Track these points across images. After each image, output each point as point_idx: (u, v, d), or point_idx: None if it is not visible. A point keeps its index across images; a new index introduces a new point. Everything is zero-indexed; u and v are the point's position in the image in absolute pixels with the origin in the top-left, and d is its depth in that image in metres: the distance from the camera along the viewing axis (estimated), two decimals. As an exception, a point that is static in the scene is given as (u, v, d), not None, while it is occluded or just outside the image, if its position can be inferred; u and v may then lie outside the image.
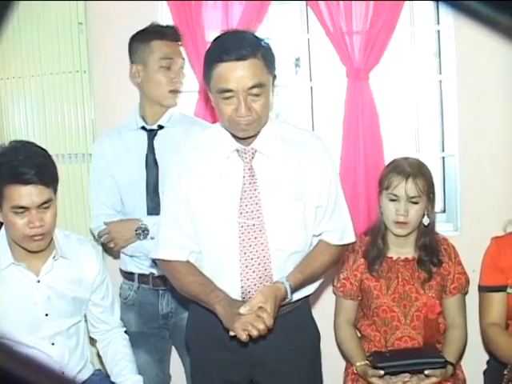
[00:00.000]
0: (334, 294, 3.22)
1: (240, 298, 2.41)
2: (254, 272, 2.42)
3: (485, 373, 3.25)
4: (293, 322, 2.55)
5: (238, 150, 2.44)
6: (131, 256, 3.12)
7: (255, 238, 2.41)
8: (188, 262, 2.50)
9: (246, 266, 2.41)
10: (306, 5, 3.63)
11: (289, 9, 3.73)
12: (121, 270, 3.25)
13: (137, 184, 3.07)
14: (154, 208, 3.05)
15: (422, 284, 3.04)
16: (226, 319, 2.32)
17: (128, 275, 3.20)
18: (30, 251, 2.65)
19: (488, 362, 3.26)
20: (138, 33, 3.09)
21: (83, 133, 3.59)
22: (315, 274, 2.54)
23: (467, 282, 3.15)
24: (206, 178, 2.44)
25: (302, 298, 2.59)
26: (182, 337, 3.16)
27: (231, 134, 2.42)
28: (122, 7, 3.54)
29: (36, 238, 2.60)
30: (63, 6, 3.56)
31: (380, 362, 2.91)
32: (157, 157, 3.08)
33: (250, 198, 2.41)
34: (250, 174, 2.42)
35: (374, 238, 3.09)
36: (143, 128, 3.12)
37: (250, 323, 2.23)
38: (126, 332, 3.04)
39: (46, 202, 2.57)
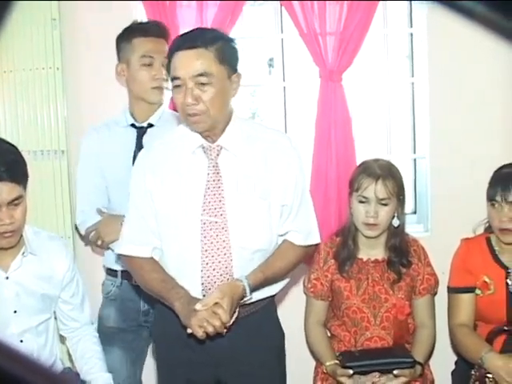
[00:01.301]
0: (305, 294, 3.23)
1: (201, 296, 2.40)
2: (214, 270, 2.41)
3: (453, 373, 3.28)
4: (256, 322, 2.54)
5: (203, 147, 2.44)
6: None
7: (217, 235, 2.40)
8: (152, 258, 2.51)
9: (207, 264, 2.40)
10: (281, 5, 3.64)
11: (263, 9, 3.74)
12: (104, 266, 3.25)
13: (124, 181, 3.03)
14: None
15: (391, 285, 3.06)
16: (183, 316, 2.32)
17: (111, 271, 3.20)
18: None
19: (456, 363, 3.29)
20: (122, 31, 3.11)
21: (55, 129, 3.56)
22: (278, 274, 2.55)
23: (436, 282, 3.17)
24: (171, 174, 2.44)
25: (265, 298, 2.58)
26: None
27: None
28: (97, 5, 3.52)
29: (6, 234, 2.59)
30: (37, 1, 3.53)
31: (349, 362, 2.92)
32: None
33: (214, 195, 2.41)
34: (215, 171, 2.42)
35: (345, 239, 3.10)
36: (133, 125, 3.12)
37: (205, 319, 2.24)
38: (99, 329, 3.04)
39: (16, 199, 2.56)
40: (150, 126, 3.12)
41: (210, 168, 2.42)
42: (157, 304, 2.65)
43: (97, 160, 3.14)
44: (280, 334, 2.73)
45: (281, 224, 2.52)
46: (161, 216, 2.45)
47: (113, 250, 3.12)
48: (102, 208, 3.14)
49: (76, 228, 3.33)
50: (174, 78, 2.32)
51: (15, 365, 0.64)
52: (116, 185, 3.10)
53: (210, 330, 2.24)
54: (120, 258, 2.73)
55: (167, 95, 3.16)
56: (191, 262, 2.42)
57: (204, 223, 2.40)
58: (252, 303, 2.48)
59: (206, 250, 2.40)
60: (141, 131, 3.11)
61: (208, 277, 2.41)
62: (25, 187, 2.63)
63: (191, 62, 2.28)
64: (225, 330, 2.30)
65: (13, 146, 2.66)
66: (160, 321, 2.68)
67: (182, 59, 2.30)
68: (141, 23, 3.15)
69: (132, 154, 3.07)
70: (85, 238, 3.23)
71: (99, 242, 3.06)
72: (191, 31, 2.43)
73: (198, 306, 2.27)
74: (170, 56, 2.35)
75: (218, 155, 2.43)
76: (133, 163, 3.03)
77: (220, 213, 2.40)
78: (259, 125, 2.61)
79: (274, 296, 2.66)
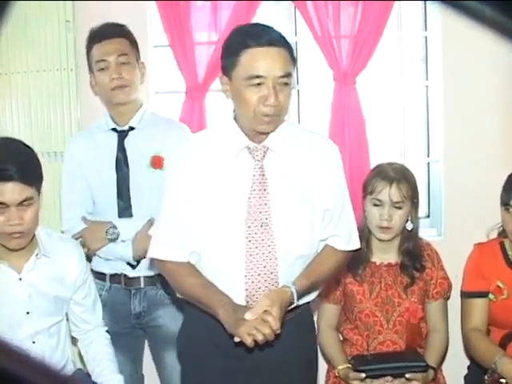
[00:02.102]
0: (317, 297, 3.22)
1: (244, 302, 2.32)
2: (259, 275, 2.32)
3: (465, 378, 3.26)
4: (293, 329, 2.43)
5: (248, 148, 2.35)
6: (106, 259, 3.11)
7: (262, 239, 2.31)
8: (189, 263, 2.39)
9: (252, 269, 2.32)
10: (295, 8, 3.64)
11: (277, 11, 3.73)
12: (92, 270, 3.16)
13: (108, 186, 3.05)
14: (125, 210, 3.05)
15: (404, 289, 3.05)
16: (229, 324, 2.22)
17: (99, 275, 3.15)
18: (10, 249, 2.64)
19: (469, 367, 3.27)
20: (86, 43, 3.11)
21: (69, 131, 3.57)
22: (321, 280, 2.49)
23: (449, 287, 3.16)
24: (213, 175, 2.33)
25: (303, 305, 2.48)
26: (155, 336, 3.17)
27: (242, 130, 2.34)
28: (111, 7, 3.53)
29: (15, 235, 2.58)
30: (51, 3, 3.55)
31: (362, 365, 2.92)
32: (128, 159, 3.06)
33: (260, 197, 2.31)
34: (261, 173, 2.33)
35: (358, 242, 3.10)
36: (114, 129, 3.10)
37: (255, 327, 2.14)
38: (107, 331, 3.02)
39: (26, 200, 2.55)
40: (132, 128, 3.09)
41: (255, 169, 2.33)
42: (187, 310, 2.59)
43: (80, 166, 3.11)
44: (314, 342, 2.68)
45: (323, 228, 2.45)
46: (203, 218, 2.33)
47: (100, 257, 3.12)
48: (87, 215, 3.12)
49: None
50: (253, 77, 2.19)
51: (25, 368, 0.64)
52: (100, 189, 3.09)
53: (260, 337, 2.14)
54: (153, 262, 2.60)
55: (145, 95, 3.15)
56: (235, 266, 2.33)
57: (249, 226, 2.31)
58: (290, 310, 2.38)
59: (251, 255, 2.31)
60: (122, 135, 3.08)
61: (252, 282, 2.32)
62: (38, 189, 2.62)
63: (276, 61, 2.19)
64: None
65: (29, 147, 2.65)
66: (190, 328, 2.59)
67: (267, 57, 2.18)
68: (96, 29, 3.10)
69: (114, 158, 3.06)
70: None
71: (85, 250, 3.04)
72: (252, 26, 2.31)
73: (247, 316, 2.18)
74: (236, 51, 2.21)
75: (263, 156, 2.35)
76: (116, 167, 3.04)
77: (265, 216, 2.32)
78: (302, 127, 2.53)
79: (309, 303, 2.57)
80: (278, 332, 2.20)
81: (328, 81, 3.56)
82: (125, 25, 3.13)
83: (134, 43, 3.11)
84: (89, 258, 3.12)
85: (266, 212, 2.32)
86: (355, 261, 3.06)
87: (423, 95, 3.75)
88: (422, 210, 3.57)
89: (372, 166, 3.24)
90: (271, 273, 2.33)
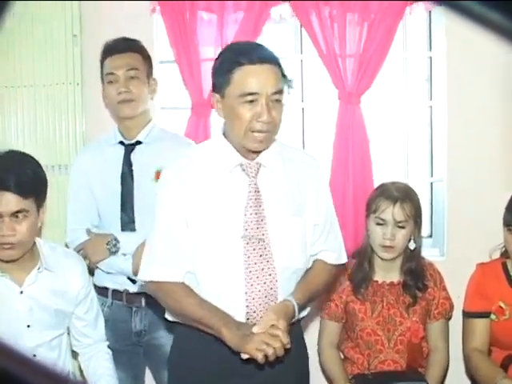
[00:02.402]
0: (320, 316, 3.22)
1: (244, 320, 2.28)
2: (259, 291, 2.29)
3: (466, 398, 3.26)
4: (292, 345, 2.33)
5: (241, 165, 2.33)
6: (107, 273, 3.11)
7: (260, 255, 2.29)
8: (183, 283, 2.33)
9: (252, 285, 2.28)
10: (301, 25, 3.65)
11: (283, 29, 3.75)
12: (95, 285, 3.12)
13: (112, 198, 3.05)
14: (128, 223, 3.05)
15: (406, 308, 3.05)
16: (235, 342, 2.18)
17: (102, 290, 3.13)
18: (7, 261, 2.64)
19: (470, 388, 3.27)
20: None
21: (73, 144, 3.59)
22: (316, 294, 2.49)
23: (451, 307, 3.16)
24: (207, 193, 2.31)
25: (296, 321, 2.44)
26: (156, 356, 3.14)
27: (234, 147, 2.32)
28: (117, 21, 3.55)
29: (5, 246, 2.56)
30: (58, 17, 3.57)
31: (362, 384, 2.92)
32: (134, 172, 3.06)
33: (256, 214, 2.30)
34: (255, 190, 2.32)
35: (361, 260, 3.10)
36: (121, 143, 3.11)
37: (264, 342, 2.12)
38: (108, 347, 3.01)
39: (20, 212, 2.54)
40: (139, 143, 3.09)
41: (250, 186, 2.32)
42: (177, 336, 2.53)
43: (86, 177, 3.12)
44: (306, 358, 2.63)
45: (313, 243, 2.45)
46: (199, 238, 2.30)
47: (102, 270, 3.11)
48: (92, 227, 3.12)
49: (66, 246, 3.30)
50: (246, 94, 2.18)
51: (26, 369, 0.64)
52: (104, 202, 3.09)
53: (271, 352, 2.11)
54: (146, 284, 2.45)
55: (154, 111, 3.16)
56: (234, 284, 2.29)
57: (247, 243, 2.29)
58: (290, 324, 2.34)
59: (250, 271, 2.29)
60: (129, 148, 3.09)
61: (253, 299, 2.28)
62: (37, 202, 2.61)
63: (269, 78, 2.20)
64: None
65: (34, 161, 2.65)
66: (182, 351, 2.50)
67: (260, 74, 2.19)
68: (110, 42, 3.12)
69: (120, 171, 3.06)
70: None
71: (87, 262, 3.04)
72: (244, 44, 2.30)
73: (255, 330, 2.16)
74: (229, 69, 2.21)
75: (257, 173, 2.34)
76: (121, 180, 3.04)
77: (262, 232, 2.30)
78: (286, 144, 2.54)
79: (300, 320, 2.54)
80: (288, 346, 2.18)
81: (333, 99, 3.57)
82: (139, 40, 3.14)
83: (147, 58, 3.13)
84: (91, 272, 3.12)
85: (263, 228, 2.31)
86: (358, 279, 3.06)
87: (427, 115, 3.76)
88: (425, 230, 3.57)
89: (375, 185, 3.24)
90: (271, 288, 2.31)
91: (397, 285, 3.08)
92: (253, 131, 2.22)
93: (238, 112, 2.22)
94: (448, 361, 3.16)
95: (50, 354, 2.78)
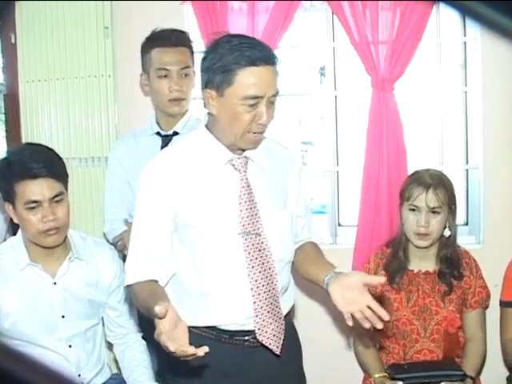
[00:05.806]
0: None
1: (252, 314, 2.27)
2: (263, 286, 2.28)
3: (504, 388, 3.22)
4: (288, 340, 2.39)
5: (231, 160, 2.30)
6: None
7: (259, 250, 2.29)
8: (151, 281, 2.20)
9: (256, 281, 2.28)
10: (332, 13, 3.63)
11: (314, 17, 3.73)
12: None
13: None
14: None
15: (442, 297, 3.01)
16: None
17: None
18: (46, 248, 2.66)
19: (508, 379, 3.21)
20: (144, 41, 3.11)
21: (106, 137, 3.61)
22: None
23: (488, 296, 3.11)
24: (199, 190, 2.27)
25: (289, 312, 2.47)
26: None
27: (221, 142, 2.28)
28: (149, 12, 3.56)
29: (50, 232, 2.60)
30: (90, 10, 3.59)
31: (398, 374, 2.90)
32: None
33: (251, 208, 2.29)
34: (247, 184, 2.31)
35: (395, 250, 3.06)
36: (158, 134, 3.12)
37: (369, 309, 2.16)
38: (143, 337, 3.01)
39: (57, 196, 2.59)
40: (176, 133, 3.10)
41: (242, 181, 2.30)
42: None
43: (123, 169, 3.15)
44: (300, 356, 2.60)
45: (297, 234, 2.50)
46: (194, 236, 2.27)
47: None
48: (130, 218, 3.12)
49: (104, 236, 3.31)
50: (250, 97, 2.13)
51: (25, 369, 0.64)
52: None
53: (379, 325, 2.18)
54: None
55: (193, 101, 3.16)
56: (238, 281, 2.28)
57: (245, 239, 2.28)
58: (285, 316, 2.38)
59: (253, 267, 2.28)
60: (166, 139, 3.10)
61: (259, 294, 2.27)
62: (65, 186, 2.67)
63: (272, 81, 2.17)
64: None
65: (50, 148, 2.71)
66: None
67: (265, 77, 2.15)
68: (160, 32, 3.09)
69: None
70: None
71: (126, 252, 3.04)
72: (246, 41, 2.20)
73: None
74: (232, 69, 2.14)
75: (246, 168, 2.31)
76: None
77: (257, 226, 2.29)
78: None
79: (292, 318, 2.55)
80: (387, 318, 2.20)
81: (366, 87, 3.54)
82: (187, 32, 3.14)
83: (192, 53, 3.13)
84: None
85: (258, 222, 2.30)
86: (393, 268, 3.04)
87: (462, 101, 3.72)
88: (461, 218, 3.53)
89: (410, 172, 3.21)
90: (271, 282, 2.30)
91: (432, 274, 3.05)
92: (250, 132, 2.21)
93: (239, 114, 2.18)
94: (485, 351, 3.11)
95: (86, 344, 2.80)
